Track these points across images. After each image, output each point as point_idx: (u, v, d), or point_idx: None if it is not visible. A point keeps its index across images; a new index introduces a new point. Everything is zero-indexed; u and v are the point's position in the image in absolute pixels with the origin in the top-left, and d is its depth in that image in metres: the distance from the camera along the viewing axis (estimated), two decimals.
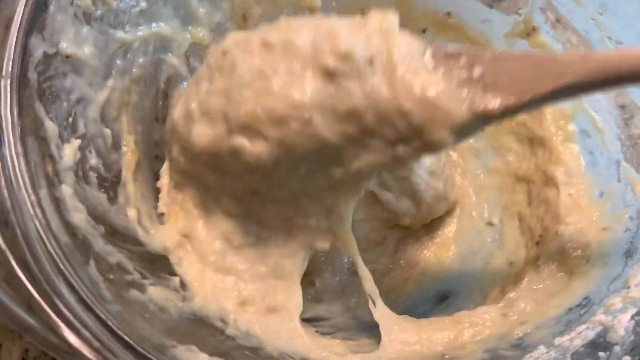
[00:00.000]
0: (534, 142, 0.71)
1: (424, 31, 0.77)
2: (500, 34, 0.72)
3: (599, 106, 0.66)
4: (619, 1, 0.62)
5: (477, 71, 0.45)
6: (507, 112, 0.44)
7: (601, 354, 0.46)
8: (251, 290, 0.58)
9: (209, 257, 0.58)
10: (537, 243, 0.66)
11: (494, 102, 0.44)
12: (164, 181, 0.62)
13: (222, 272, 0.58)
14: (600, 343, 0.48)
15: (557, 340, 0.50)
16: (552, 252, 0.62)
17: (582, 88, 0.43)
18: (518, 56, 0.45)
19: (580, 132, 0.68)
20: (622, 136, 0.65)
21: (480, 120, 0.45)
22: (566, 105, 0.69)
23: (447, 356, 0.53)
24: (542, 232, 0.65)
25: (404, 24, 0.75)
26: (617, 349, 0.46)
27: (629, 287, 0.52)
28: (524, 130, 0.73)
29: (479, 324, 0.57)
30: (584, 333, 0.50)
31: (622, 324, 0.48)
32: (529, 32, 0.70)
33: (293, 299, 0.59)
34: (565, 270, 0.59)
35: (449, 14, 0.75)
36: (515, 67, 0.44)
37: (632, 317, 0.48)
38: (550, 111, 0.70)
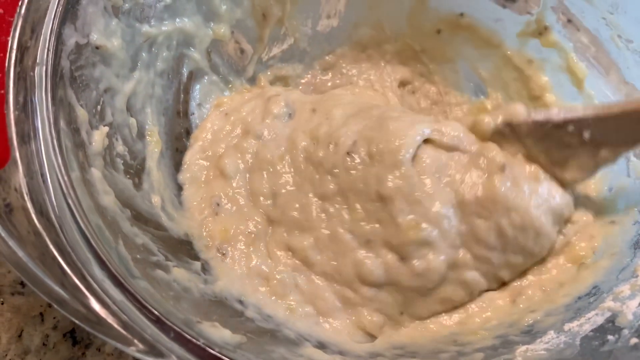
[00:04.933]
0: None
1: (438, 32, 0.79)
2: (512, 33, 0.74)
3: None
4: (630, 0, 0.64)
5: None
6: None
7: (610, 337, 0.48)
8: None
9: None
10: None
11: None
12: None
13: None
14: (609, 327, 0.49)
15: (567, 326, 0.52)
16: None
17: None
18: (615, 113, 0.56)
19: None
20: None
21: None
22: (574, 102, 0.70)
23: (458, 341, 0.55)
24: None
25: (419, 26, 0.78)
26: (625, 332, 0.48)
27: (637, 276, 0.53)
28: None
29: (488, 308, 0.59)
30: (593, 319, 0.51)
31: (631, 309, 0.50)
32: (541, 31, 0.72)
33: None
34: (571, 261, 0.60)
35: (461, 14, 0.76)
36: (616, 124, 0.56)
37: None
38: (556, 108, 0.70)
